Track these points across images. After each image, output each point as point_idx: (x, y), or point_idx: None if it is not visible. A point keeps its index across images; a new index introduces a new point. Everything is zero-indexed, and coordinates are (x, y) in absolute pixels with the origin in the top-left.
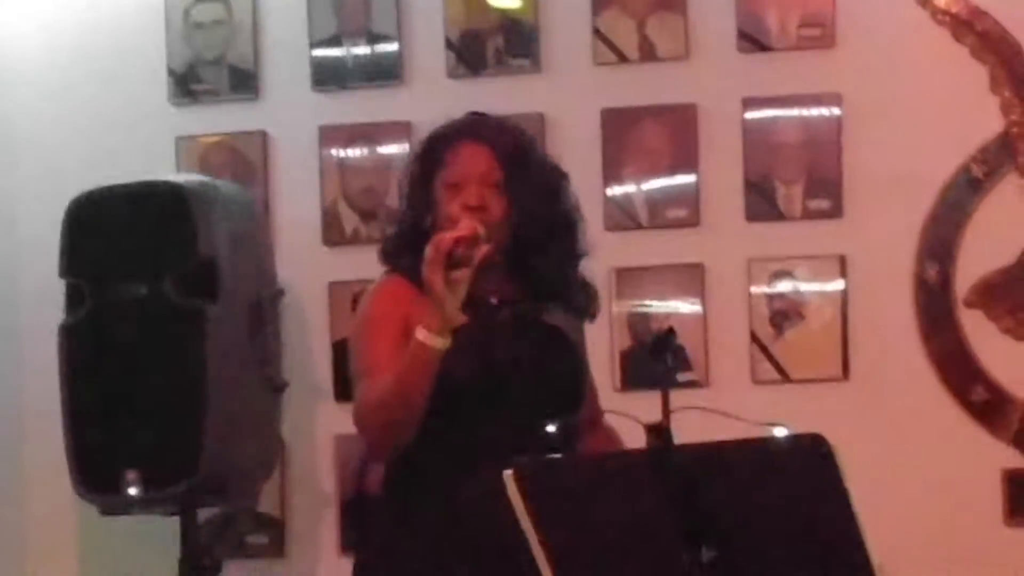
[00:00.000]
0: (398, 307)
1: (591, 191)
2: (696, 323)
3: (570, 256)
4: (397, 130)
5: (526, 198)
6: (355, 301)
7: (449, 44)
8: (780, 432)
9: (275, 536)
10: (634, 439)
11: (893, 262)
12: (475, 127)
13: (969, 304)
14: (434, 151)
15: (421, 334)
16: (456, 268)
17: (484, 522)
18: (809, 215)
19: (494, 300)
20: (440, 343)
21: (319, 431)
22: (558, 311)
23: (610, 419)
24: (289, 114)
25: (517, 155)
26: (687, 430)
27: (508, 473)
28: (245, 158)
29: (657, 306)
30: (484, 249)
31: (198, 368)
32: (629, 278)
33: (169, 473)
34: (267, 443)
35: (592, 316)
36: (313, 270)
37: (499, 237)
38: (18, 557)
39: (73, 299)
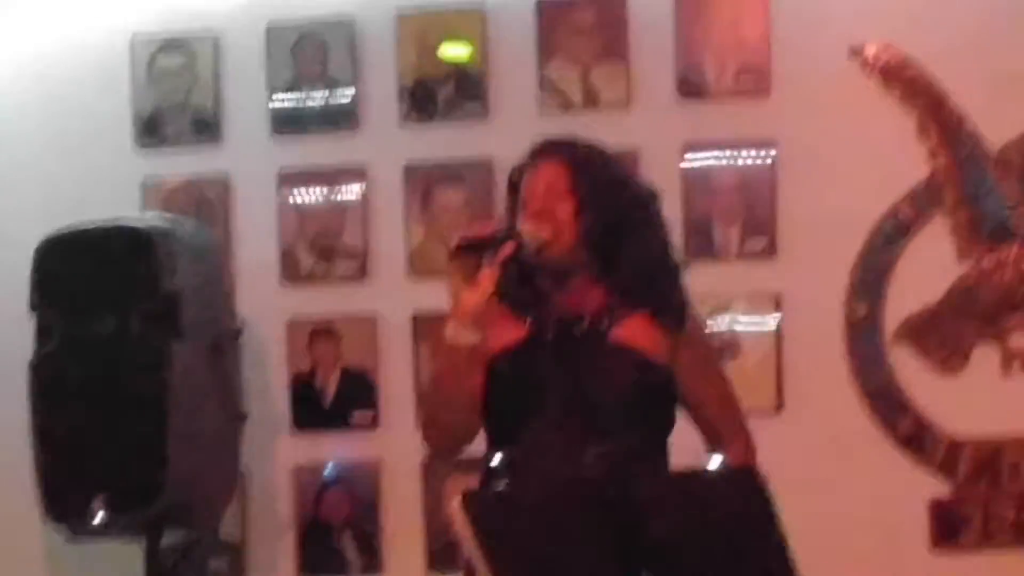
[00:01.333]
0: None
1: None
2: None
3: (654, 260)
4: (352, 174)
5: (595, 197)
6: (313, 336)
7: (402, 92)
8: (715, 463)
9: (235, 561)
10: None
11: (825, 300)
12: (543, 148)
13: (897, 340)
14: (513, 183)
15: (447, 329)
16: (478, 265)
17: None
18: (745, 255)
19: (571, 315)
20: (462, 336)
21: (277, 461)
22: (646, 322)
23: None
24: (249, 158)
25: (585, 163)
26: None
27: (455, 502)
28: (207, 200)
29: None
30: (508, 247)
31: (162, 400)
32: None
33: (134, 500)
34: (228, 472)
35: (678, 326)
36: (272, 308)
37: (566, 239)
38: None
39: (43, 334)
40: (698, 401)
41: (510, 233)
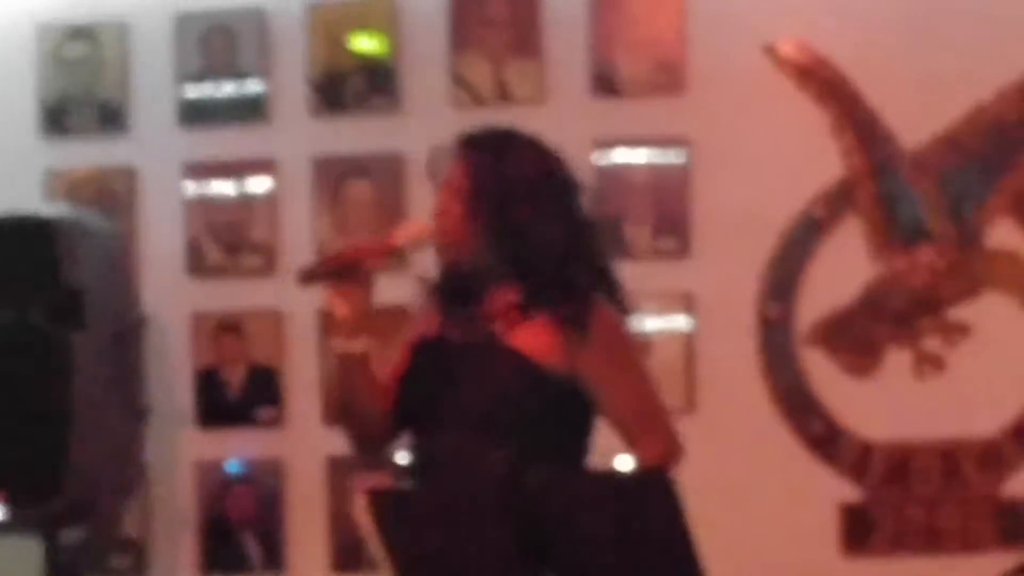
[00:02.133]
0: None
1: None
2: None
3: (555, 258)
4: (261, 166)
5: (488, 195)
6: (218, 330)
7: (311, 84)
8: (624, 462)
9: (136, 558)
10: None
11: (737, 300)
12: (456, 143)
13: (809, 342)
14: None
15: (332, 341)
16: (343, 280)
17: None
18: (657, 254)
19: (478, 318)
20: (340, 346)
21: (180, 456)
22: (546, 325)
23: None
24: (156, 149)
25: (482, 158)
26: None
27: (361, 499)
28: (112, 191)
29: None
30: (373, 262)
31: (63, 393)
32: None
33: (34, 495)
34: (130, 467)
35: (580, 327)
36: (177, 300)
37: (459, 239)
38: None
39: None
40: (608, 402)
41: (362, 249)
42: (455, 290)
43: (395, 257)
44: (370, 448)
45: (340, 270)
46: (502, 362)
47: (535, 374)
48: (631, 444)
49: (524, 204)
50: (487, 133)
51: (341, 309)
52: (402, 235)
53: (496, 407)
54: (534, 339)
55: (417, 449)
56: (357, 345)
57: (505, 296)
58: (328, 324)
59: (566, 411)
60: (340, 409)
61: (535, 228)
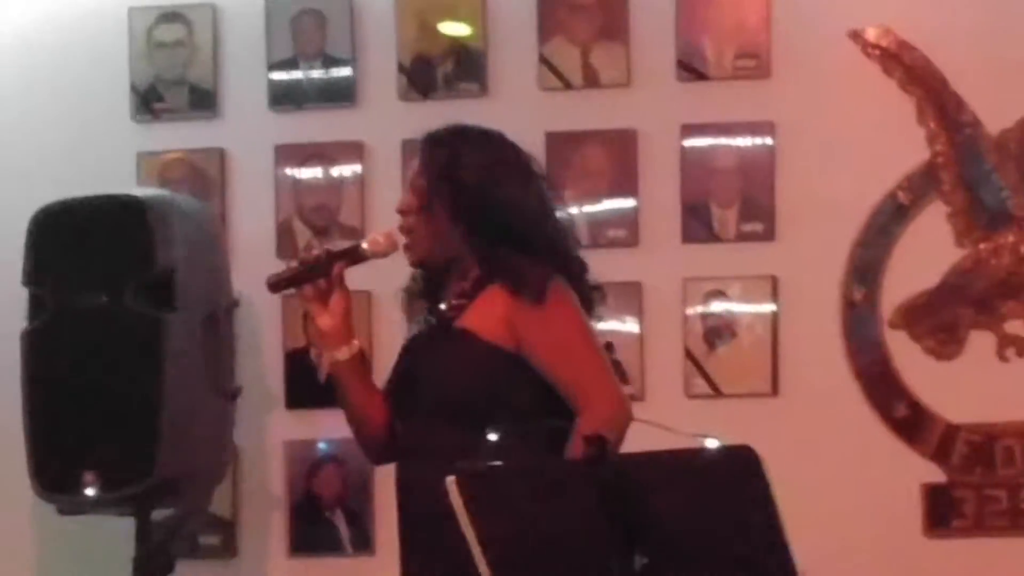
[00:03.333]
0: None
1: None
2: (633, 339)
3: (508, 230)
4: (349, 150)
5: (439, 184)
6: (308, 313)
7: (401, 68)
8: (711, 444)
9: (226, 537)
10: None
11: (822, 283)
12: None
13: (893, 325)
14: None
15: (320, 359)
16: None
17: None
18: (743, 237)
19: (439, 307)
20: (337, 356)
21: (270, 436)
22: (494, 301)
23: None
24: (246, 132)
25: (431, 152)
26: (623, 441)
27: (450, 479)
28: (203, 174)
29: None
30: (336, 269)
31: (155, 374)
32: None
33: (126, 475)
34: (220, 447)
35: (533, 298)
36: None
37: (422, 236)
38: None
39: (36, 307)
40: (549, 373)
41: (331, 254)
42: (424, 288)
43: (363, 262)
44: (379, 455)
45: (308, 276)
46: (450, 344)
47: (481, 350)
48: (577, 414)
49: (482, 187)
50: (443, 129)
51: (323, 320)
52: (370, 240)
53: (447, 387)
54: (482, 317)
55: (400, 439)
56: (345, 352)
57: (464, 278)
58: (312, 336)
59: (516, 384)
60: (345, 417)
61: (492, 207)
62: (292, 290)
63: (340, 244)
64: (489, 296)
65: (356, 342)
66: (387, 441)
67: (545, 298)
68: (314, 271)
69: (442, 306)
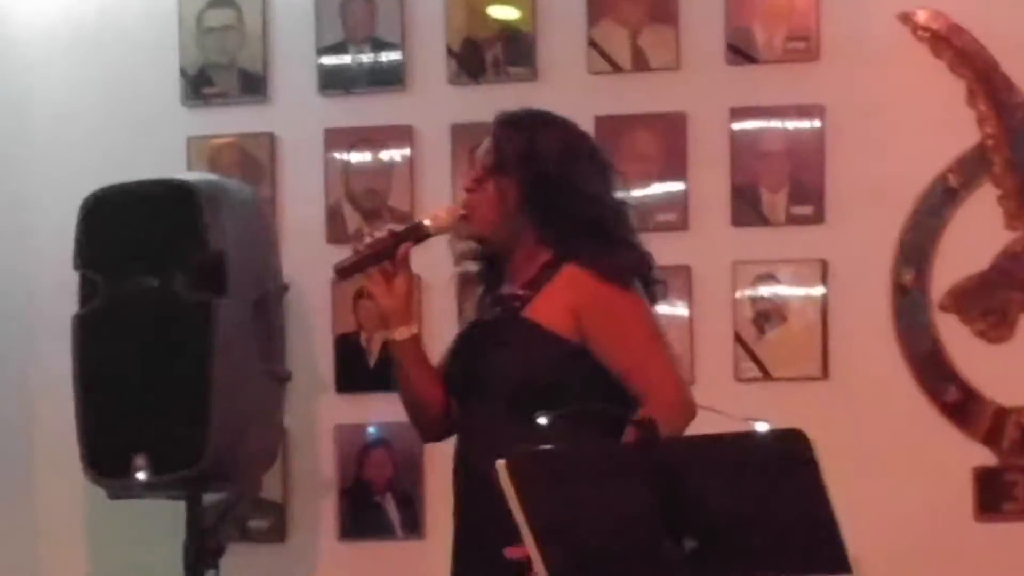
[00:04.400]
0: None
1: None
2: (683, 322)
3: (585, 214)
4: (399, 134)
5: (514, 164)
6: (357, 296)
7: (450, 52)
8: (762, 427)
9: (277, 521)
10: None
11: (872, 267)
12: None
13: (944, 308)
14: None
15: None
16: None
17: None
18: (792, 221)
19: (500, 294)
20: (398, 335)
21: (320, 421)
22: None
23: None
24: (296, 117)
25: (505, 132)
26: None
27: (501, 462)
28: (253, 158)
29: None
30: (403, 248)
31: (205, 358)
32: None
33: (176, 459)
34: (270, 432)
35: (608, 279)
36: (317, 267)
37: (485, 212)
38: (29, 538)
39: (87, 291)
40: (617, 364)
41: (395, 234)
42: (488, 269)
43: (427, 239)
44: (433, 433)
45: (375, 259)
46: (517, 335)
47: (548, 342)
48: (640, 403)
49: (563, 175)
50: (518, 112)
51: (384, 300)
52: (432, 216)
53: (513, 378)
54: (549, 308)
55: (458, 422)
56: (405, 332)
57: (535, 261)
58: (362, 319)
59: (581, 377)
60: (400, 397)
61: (573, 196)
62: (360, 275)
63: (398, 225)
64: (557, 284)
65: (415, 324)
66: (442, 420)
67: (625, 284)
68: (380, 254)
69: (506, 291)
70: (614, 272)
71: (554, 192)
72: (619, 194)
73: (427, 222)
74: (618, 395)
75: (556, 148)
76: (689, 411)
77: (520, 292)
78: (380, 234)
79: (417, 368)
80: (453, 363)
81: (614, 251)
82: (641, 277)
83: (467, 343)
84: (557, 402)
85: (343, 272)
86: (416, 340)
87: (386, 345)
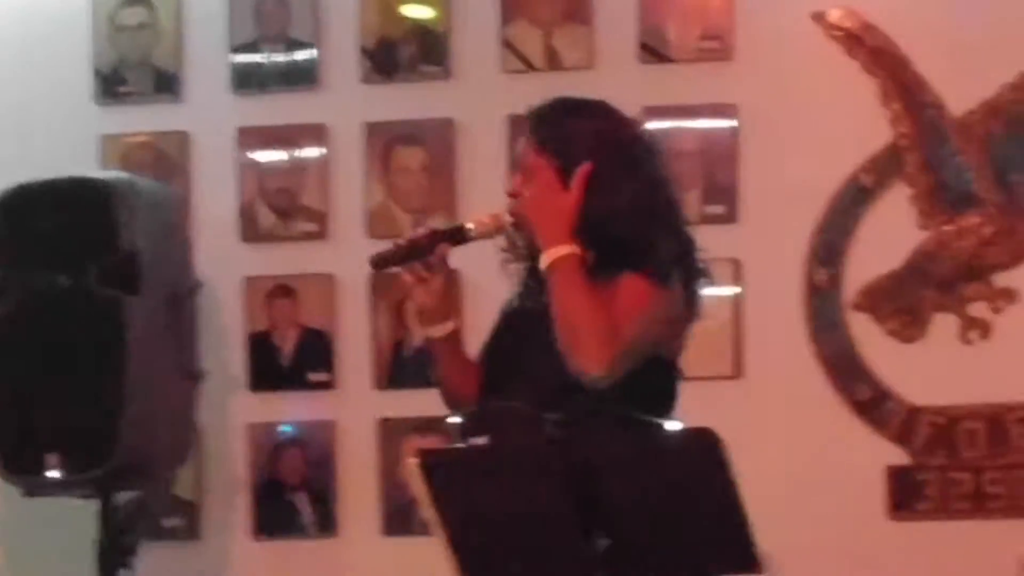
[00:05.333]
0: None
1: (497, 194)
2: None
3: (621, 214)
4: (313, 132)
5: (562, 166)
6: (271, 294)
7: (364, 51)
8: (674, 426)
9: (190, 520)
10: None
11: (785, 266)
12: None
13: (857, 307)
14: None
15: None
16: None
17: None
18: (705, 220)
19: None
20: (432, 332)
21: (233, 419)
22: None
23: None
24: (209, 116)
25: (542, 130)
26: None
27: (411, 460)
28: (167, 157)
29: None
30: (440, 250)
31: (118, 357)
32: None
33: (89, 457)
34: (183, 430)
35: (662, 279)
36: (230, 265)
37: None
38: None
39: None
40: None
41: (435, 233)
42: (534, 266)
43: (467, 243)
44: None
45: (412, 255)
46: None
47: None
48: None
49: (605, 171)
50: (549, 106)
51: (421, 297)
52: (476, 220)
53: (557, 374)
54: None
55: (470, 412)
56: (441, 329)
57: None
58: (414, 314)
59: (623, 382)
60: (440, 393)
61: (605, 194)
62: (395, 269)
63: (442, 225)
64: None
65: (451, 322)
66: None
67: (664, 279)
68: (417, 251)
69: None
70: (659, 273)
71: (592, 189)
72: (663, 182)
73: (470, 226)
74: (659, 401)
75: (590, 142)
76: (606, 375)
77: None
78: (421, 231)
79: (452, 364)
80: (494, 348)
81: (654, 248)
82: (684, 266)
83: (507, 334)
84: (593, 404)
85: (377, 263)
86: (454, 336)
87: (425, 342)
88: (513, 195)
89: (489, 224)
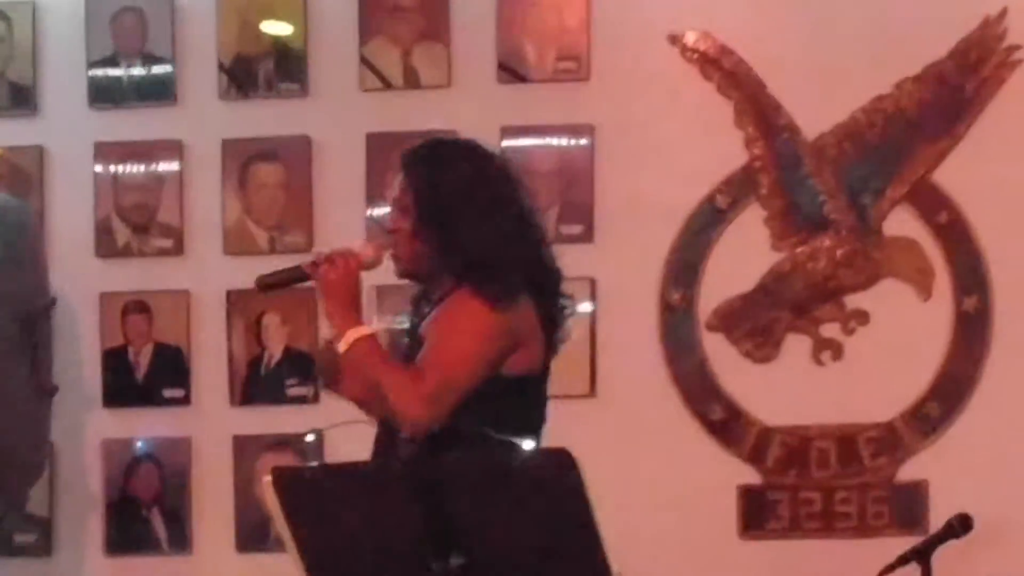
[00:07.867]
0: None
1: (354, 212)
2: None
3: (477, 245)
4: (169, 148)
5: (419, 200)
6: (126, 310)
7: (221, 67)
8: (528, 445)
9: (43, 536)
10: None
11: (640, 286)
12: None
13: (710, 327)
14: None
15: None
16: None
17: None
18: (561, 239)
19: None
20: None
21: (88, 435)
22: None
23: None
24: (66, 130)
25: (411, 169)
26: None
27: (266, 478)
28: (22, 171)
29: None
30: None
31: None
32: (390, 294)
33: None
34: (37, 445)
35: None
36: (85, 281)
37: (405, 249)
38: None
39: None
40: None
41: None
42: (416, 297)
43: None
44: None
45: (294, 281)
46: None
47: None
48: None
49: (460, 209)
50: (422, 146)
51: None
52: (365, 252)
53: None
54: (433, 323)
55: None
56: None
57: (441, 293)
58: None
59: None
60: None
61: (473, 230)
62: (279, 291)
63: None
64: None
65: (363, 327)
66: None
67: (494, 300)
68: (296, 278)
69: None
70: (493, 293)
71: (461, 228)
72: (526, 216)
73: (363, 257)
74: (511, 419)
75: (459, 183)
76: (424, 416)
77: (425, 312)
78: (308, 259)
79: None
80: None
81: (501, 274)
82: (544, 298)
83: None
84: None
85: (264, 285)
86: (359, 343)
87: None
88: (392, 231)
89: (372, 256)
